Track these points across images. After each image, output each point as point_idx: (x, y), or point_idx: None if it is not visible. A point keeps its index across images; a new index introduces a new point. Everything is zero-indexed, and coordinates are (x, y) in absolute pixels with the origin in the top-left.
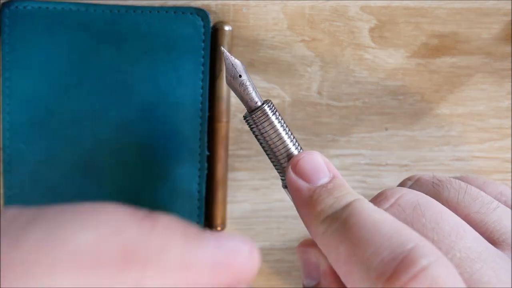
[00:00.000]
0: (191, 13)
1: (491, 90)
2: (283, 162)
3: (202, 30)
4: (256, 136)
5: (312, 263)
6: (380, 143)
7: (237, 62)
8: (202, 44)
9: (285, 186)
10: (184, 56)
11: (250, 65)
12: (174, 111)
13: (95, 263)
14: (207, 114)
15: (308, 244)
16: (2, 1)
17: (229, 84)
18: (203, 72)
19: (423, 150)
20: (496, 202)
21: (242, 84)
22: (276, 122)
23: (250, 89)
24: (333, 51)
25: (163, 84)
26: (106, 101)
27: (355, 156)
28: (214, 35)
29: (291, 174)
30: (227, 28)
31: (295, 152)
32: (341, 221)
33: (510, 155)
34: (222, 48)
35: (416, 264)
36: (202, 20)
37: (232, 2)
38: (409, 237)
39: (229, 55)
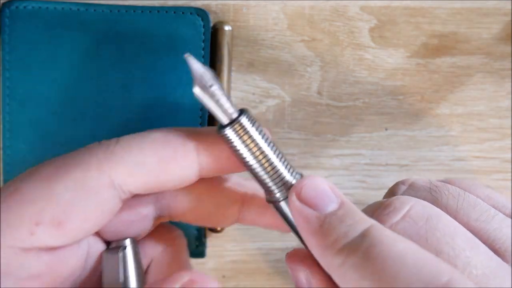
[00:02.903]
0: (191, 13)
1: (491, 90)
2: (266, 178)
3: (202, 30)
4: (235, 151)
5: (303, 283)
6: (380, 143)
7: (205, 71)
8: (202, 44)
9: (268, 201)
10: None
11: (250, 65)
12: (174, 111)
13: None
14: (207, 114)
15: (296, 258)
16: (2, 1)
17: (199, 95)
18: None
19: (423, 150)
20: (493, 209)
21: (213, 95)
22: (256, 134)
23: (224, 99)
24: (333, 51)
25: (163, 84)
26: (106, 101)
27: (355, 156)
28: (214, 35)
29: (296, 202)
30: (227, 28)
31: (280, 164)
32: (361, 253)
33: (510, 155)
34: (186, 55)
35: None
36: (202, 20)
37: (232, 2)
38: (439, 268)
39: (196, 62)
